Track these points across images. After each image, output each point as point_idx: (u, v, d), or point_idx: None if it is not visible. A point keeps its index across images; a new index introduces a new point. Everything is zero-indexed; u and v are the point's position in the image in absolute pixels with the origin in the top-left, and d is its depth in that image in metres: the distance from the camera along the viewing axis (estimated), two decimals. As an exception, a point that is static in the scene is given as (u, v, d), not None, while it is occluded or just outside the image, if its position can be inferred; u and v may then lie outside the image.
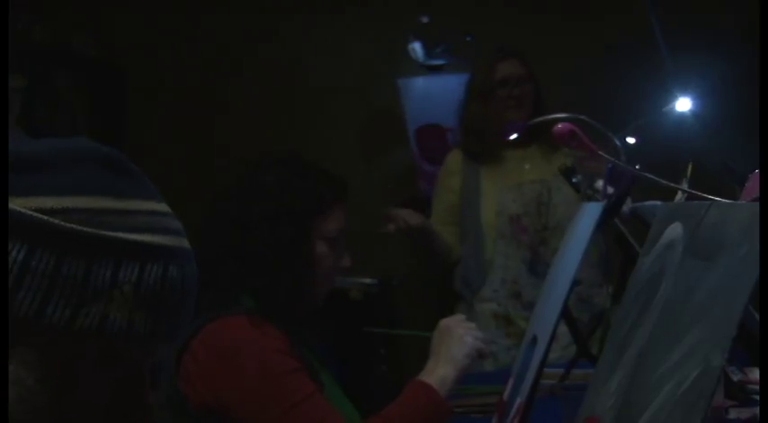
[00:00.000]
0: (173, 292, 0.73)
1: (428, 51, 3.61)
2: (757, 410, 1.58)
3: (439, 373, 1.52)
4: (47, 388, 0.70)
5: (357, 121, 3.75)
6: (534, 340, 1.33)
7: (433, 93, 3.50)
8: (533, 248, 2.57)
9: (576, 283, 2.56)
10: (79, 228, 0.70)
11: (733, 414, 1.58)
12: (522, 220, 2.60)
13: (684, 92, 1.83)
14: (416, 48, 3.61)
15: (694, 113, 1.81)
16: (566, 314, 1.88)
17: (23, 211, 0.69)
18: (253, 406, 1.42)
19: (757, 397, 1.63)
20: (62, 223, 0.70)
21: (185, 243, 0.77)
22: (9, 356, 0.69)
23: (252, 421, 1.42)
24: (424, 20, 3.56)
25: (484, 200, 2.63)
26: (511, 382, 1.40)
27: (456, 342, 1.55)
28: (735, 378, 1.66)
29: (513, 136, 2.45)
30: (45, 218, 0.69)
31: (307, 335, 1.59)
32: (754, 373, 1.65)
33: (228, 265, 1.52)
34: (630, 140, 1.60)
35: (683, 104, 1.81)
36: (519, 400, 1.29)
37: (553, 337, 1.27)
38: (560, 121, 1.37)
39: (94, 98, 3.47)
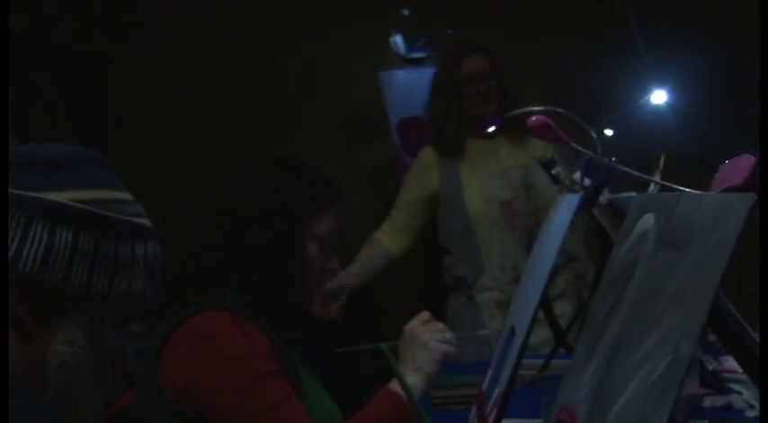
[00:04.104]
0: (158, 263, 0.94)
1: (409, 44, 3.62)
2: (731, 398, 1.60)
3: (407, 382, 1.50)
4: (90, 344, 0.88)
5: (339, 114, 3.74)
6: (512, 331, 1.35)
7: (415, 85, 3.49)
8: (529, 230, 2.57)
9: (572, 261, 2.57)
10: (109, 214, 0.88)
11: (707, 402, 1.61)
12: (513, 205, 2.61)
13: (660, 84, 1.84)
14: (397, 40, 3.62)
15: (670, 106, 1.83)
16: (544, 305, 1.89)
17: (66, 202, 0.85)
18: (223, 406, 1.42)
19: (731, 385, 1.65)
20: (99, 211, 0.87)
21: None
22: (64, 322, 0.86)
23: (221, 421, 1.43)
24: (405, 13, 3.57)
25: (467, 190, 2.64)
26: (490, 372, 1.41)
27: (421, 349, 1.54)
28: (710, 367, 1.69)
29: (492, 129, 2.45)
30: (85, 207, 0.86)
31: (290, 332, 1.58)
32: (729, 362, 1.67)
33: (218, 257, 1.52)
34: (608, 132, 1.61)
35: (659, 97, 1.82)
36: (498, 391, 1.30)
37: (531, 328, 1.28)
38: (537, 113, 1.38)
39: (73, 90, 3.44)
